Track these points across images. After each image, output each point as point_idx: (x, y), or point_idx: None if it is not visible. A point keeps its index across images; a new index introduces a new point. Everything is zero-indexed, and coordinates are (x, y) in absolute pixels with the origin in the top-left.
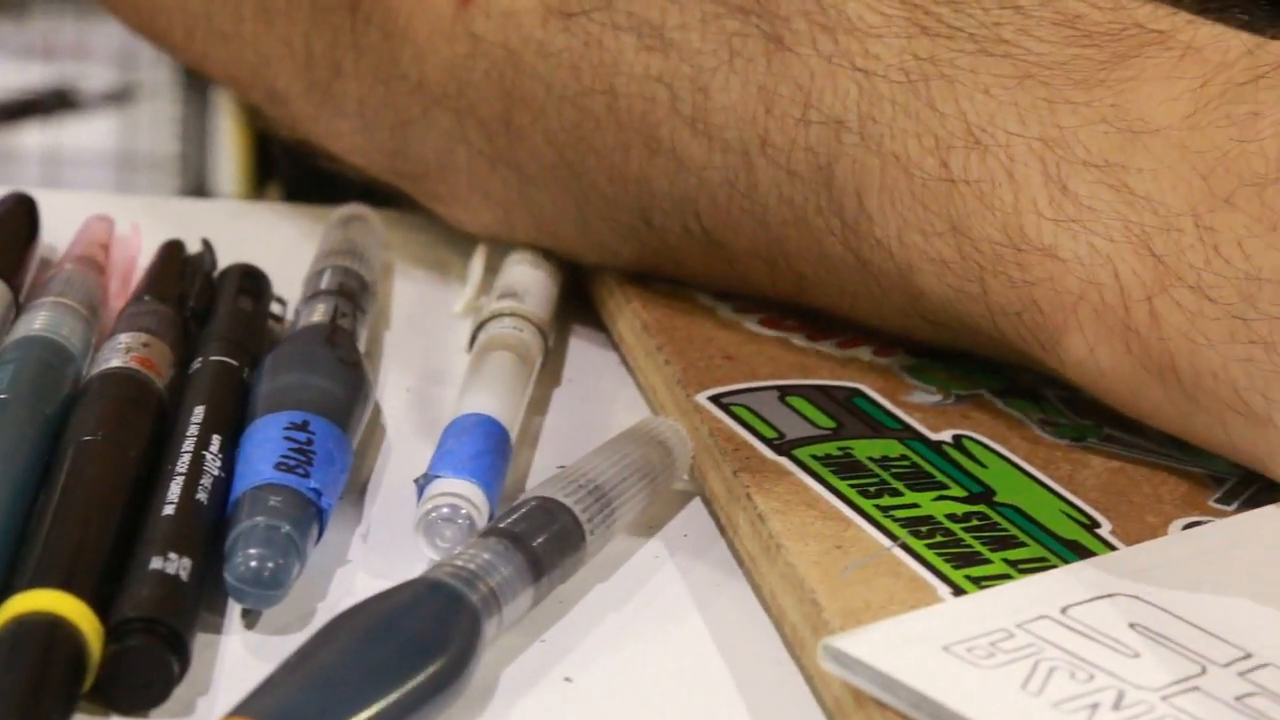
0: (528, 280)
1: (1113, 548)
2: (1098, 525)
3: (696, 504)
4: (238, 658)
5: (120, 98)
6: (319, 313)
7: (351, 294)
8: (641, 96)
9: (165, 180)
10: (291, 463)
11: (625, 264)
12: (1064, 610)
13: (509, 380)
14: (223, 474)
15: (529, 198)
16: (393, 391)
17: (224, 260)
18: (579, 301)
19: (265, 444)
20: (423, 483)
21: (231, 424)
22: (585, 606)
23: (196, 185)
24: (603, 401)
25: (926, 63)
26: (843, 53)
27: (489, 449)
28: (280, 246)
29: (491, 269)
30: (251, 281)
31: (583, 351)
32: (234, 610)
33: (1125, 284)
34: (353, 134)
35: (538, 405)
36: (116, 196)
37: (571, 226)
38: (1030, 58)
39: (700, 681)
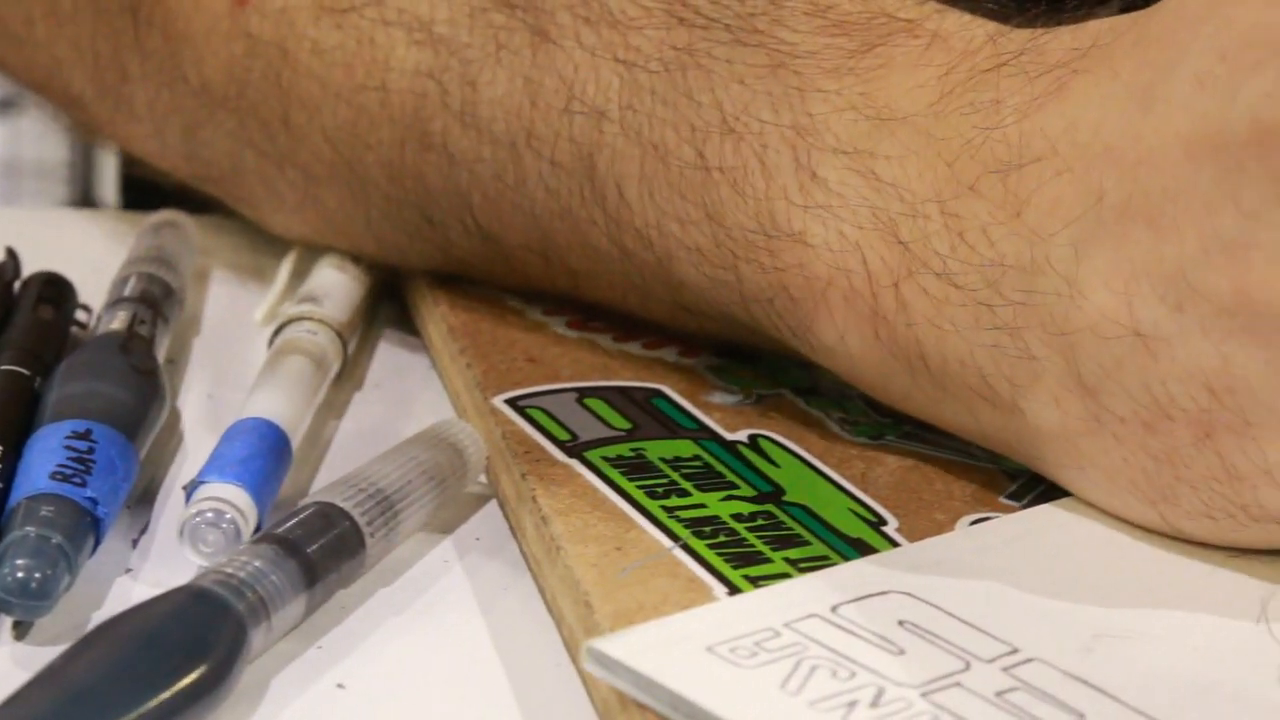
0: (330, 284)
1: (897, 545)
2: (884, 523)
3: (492, 507)
4: (5, 670)
5: (6, 106)
6: (119, 320)
7: (154, 301)
8: (412, 92)
9: (52, 188)
10: (68, 472)
11: (416, 264)
12: (834, 609)
13: (296, 384)
14: (1, 484)
15: (317, 198)
16: (195, 398)
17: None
18: (400, 305)
19: (44, 454)
20: (190, 488)
21: (16, 433)
22: (366, 611)
23: (83, 194)
24: (407, 405)
25: (684, 53)
26: (605, 45)
27: (261, 453)
28: (106, 254)
29: (302, 273)
30: (53, 289)
31: (394, 355)
32: (4, 622)
33: (873, 270)
34: (146, 138)
35: (337, 409)
36: None
37: (360, 226)
38: (783, 47)
39: (476, 685)
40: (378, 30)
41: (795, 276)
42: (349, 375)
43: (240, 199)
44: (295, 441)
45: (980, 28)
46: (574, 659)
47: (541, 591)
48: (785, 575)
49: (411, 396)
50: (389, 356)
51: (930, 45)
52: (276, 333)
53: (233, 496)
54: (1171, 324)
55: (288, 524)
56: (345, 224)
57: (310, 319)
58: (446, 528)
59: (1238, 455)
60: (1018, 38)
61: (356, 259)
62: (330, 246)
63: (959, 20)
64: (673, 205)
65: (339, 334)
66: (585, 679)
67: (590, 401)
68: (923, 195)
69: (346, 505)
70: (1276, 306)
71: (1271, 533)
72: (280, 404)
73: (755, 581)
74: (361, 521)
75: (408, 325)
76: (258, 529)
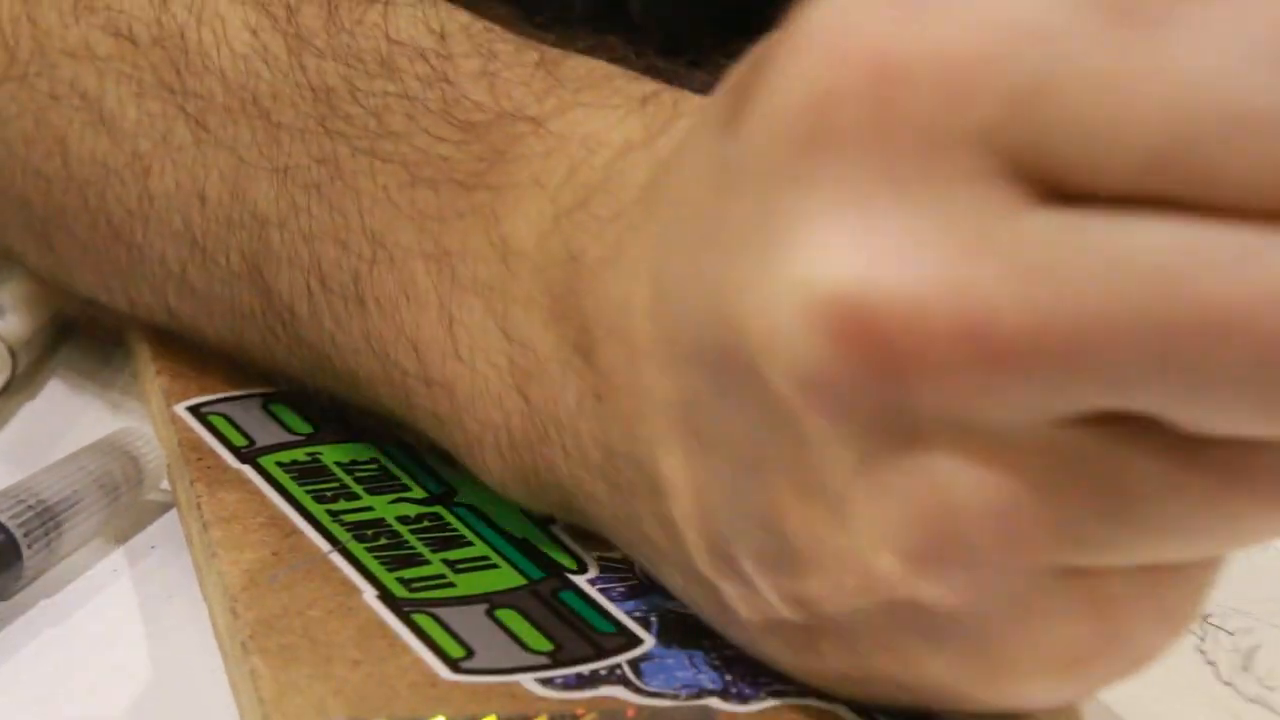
0: (15, 297)
1: (560, 542)
2: (552, 521)
3: (174, 515)
4: None
5: None
6: None
7: None
8: (92, 181)
9: None
10: None
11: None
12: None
13: None
14: None
15: (39, 243)
16: None
17: None
18: None
19: None
20: None
21: None
22: (26, 622)
23: None
24: (86, 415)
25: (331, 165)
26: (262, 148)
27: None
28: None
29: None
30: None
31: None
32: None
33: (513, 429)
34: None
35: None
36: None
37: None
38: (416, 156)
39: (124, 695)
40: (50, 108)
41: (453, 430)
42: (36, 386)
43: None
44: None
45: (605, 121)
46: (227, 666)
47: (204, 599)
48: (442, 576)
49: (98, 406)
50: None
51: (551, 154)
52: None
53: None
54: None
55: None
56: (66, 280)
57: None
58: (122, 536)
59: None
60: (606, 154)
61: None
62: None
63: (584, 115)
64: (341, 332)
65: (9, 347)
66: (233, 685)
67: (275, 407)
68: (544, 351)
69: (3, 518)
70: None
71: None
72: None
73: (409, 584)
74: (18, 534)
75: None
76: None
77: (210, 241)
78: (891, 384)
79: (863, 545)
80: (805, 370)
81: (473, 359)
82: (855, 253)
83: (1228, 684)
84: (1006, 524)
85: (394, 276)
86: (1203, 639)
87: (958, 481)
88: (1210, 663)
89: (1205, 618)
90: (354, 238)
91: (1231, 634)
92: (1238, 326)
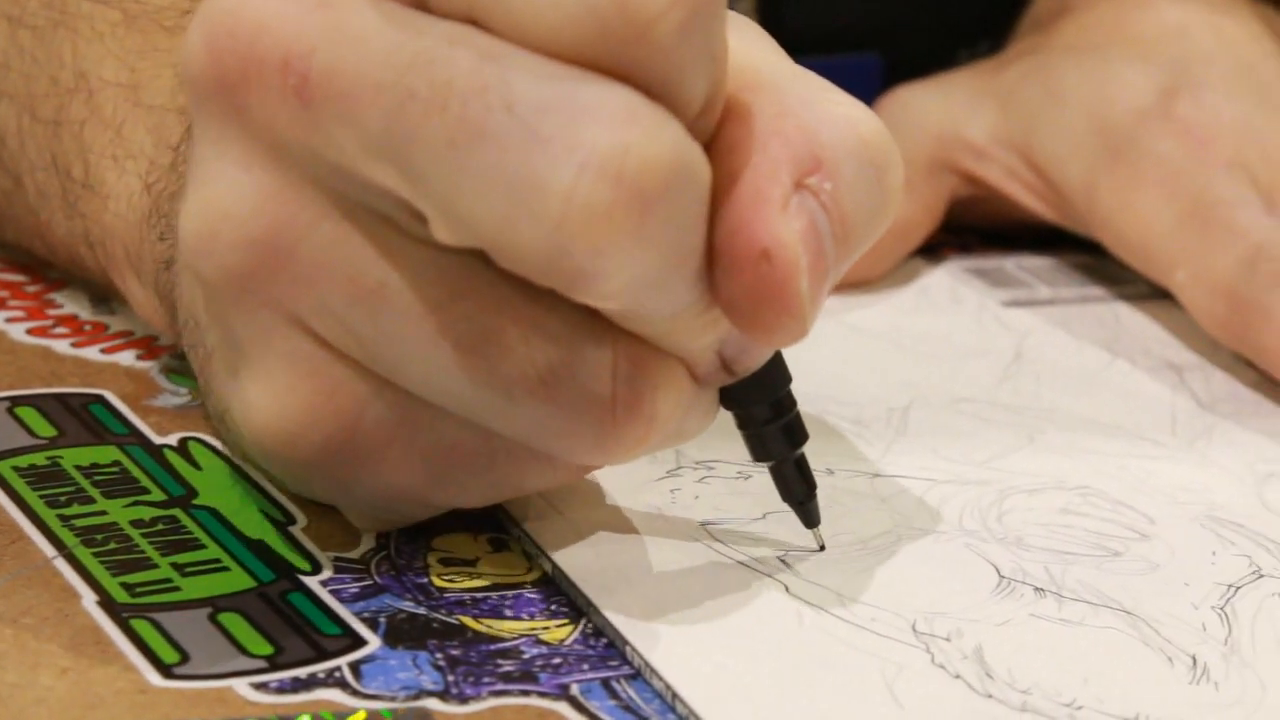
0: None
1: (300, 545)
2: (292, 521)
3: None
4: None
5: None
6: None
7: None
8: None
9: None
10: None
11: None
12: None
13: None
14: None
15: None
16: None
17: None
18: None
19: None
20: None
21: None
22: None
23: None
24: None
25: (57, 10)
26: None
27: None
28: None
29: None
30: None
31: None
32: None
33: (140, 224)
34: None
35: None
36: None
37: None
38: (135, 6)
39: None
40: None
41: (94, 225)
42: None
43: None
44: None
45: None
46: None
47: None
48: (168, 580)
49: None
50: None
51: None
52: None
53: None
54: None
55: None
56: None
57: None
58: None
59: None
60: None
61: None
62: None
63: None
64: (40, 157)
65: None
66: None
67: (21, 410)
68: (173, 152)
69: None
70: None
71: None
72: None
73: (132, 589)
74: None
75: None
76: None
77: None
78: (236, 94)
79: (182, 213)
80: (185, 70)
81: (124, 161)
82: None
83: (987, 696)
84: (268, 255)
85: (89, 104)
86: (931, 652)
87: (246, 193)
88: (957, 676)
89: (918, 632)
90: (65, 74)
91: (948, 639)
92: (437, 102)
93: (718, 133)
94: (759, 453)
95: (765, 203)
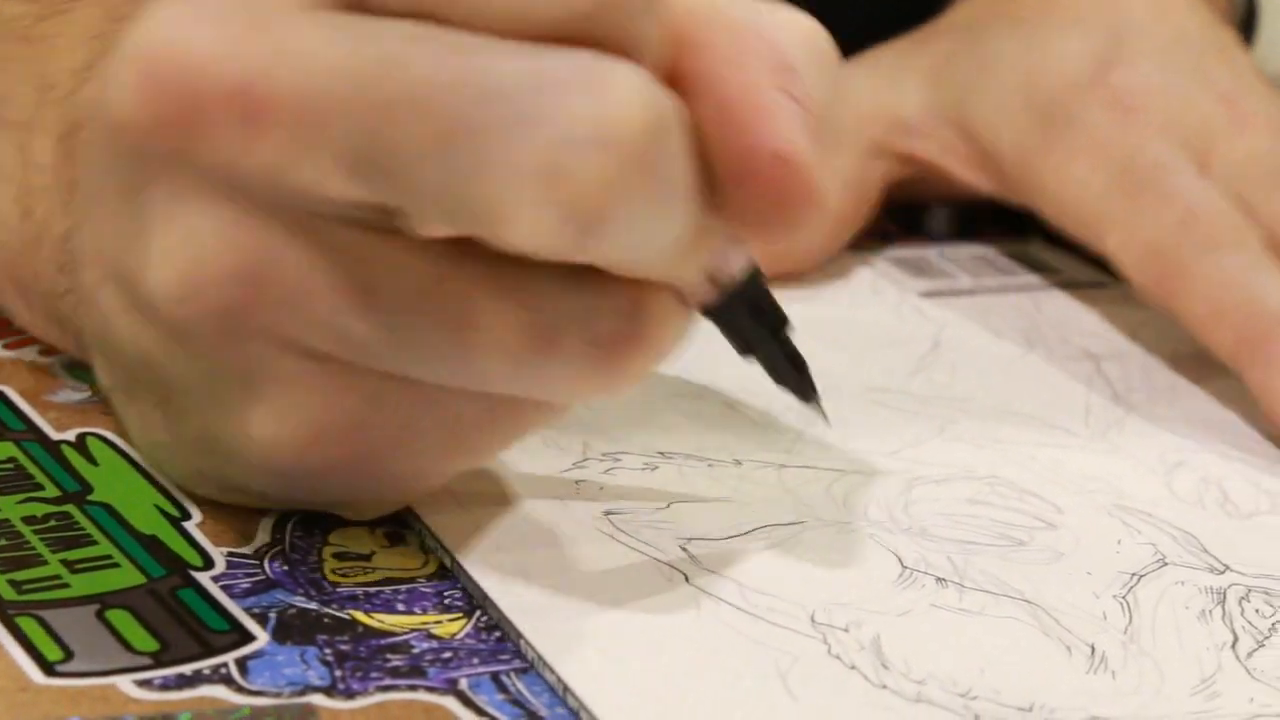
0: None
1: (194, 540)
2: (187, 517)
3: None
4: None
5: None
6: None
7: None
8: None
9: None
10: None
11: None
12: None
13: None
14: None
15: None
16: None
17: None
18: None
19: None
20: None
21: None
22: None
23: None
24: None
25: None
26: None
27: None
28: None
29: None
30: None
31: None
32: None
33: (13, 244)
34: None
35: None
36: None
37: None
38: None
39: None
40: None
41: None
42: None
43: None
44: None
45: None
46: None
47: None
48: (56, 577)
49: None
50: None
51: (97, 4)
52: None
53: None
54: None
55: None
56: None
57: None
58: None
59: None
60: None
61: None
62: None
63: None
64: None
65: None
66: None
67: None
68: (49, 174)
69: None
70: None
71: None
72: None
73: (20, 586)
74: None
75: None
76: None
77: None
78: (180, 135)
79: (142, 264)
80: (116, 114)
81: None
82: (176, 18)
83: (882, 686)
84: (250, 287)
85: None
86: (828, 643)
87: (213, 232)
88: (853, 667)
89: (816, 622)
90: None
91: (846, 630)
92: (417, 105)
93: (694, 66)
94: (742, 348)
95: (762, 112)
